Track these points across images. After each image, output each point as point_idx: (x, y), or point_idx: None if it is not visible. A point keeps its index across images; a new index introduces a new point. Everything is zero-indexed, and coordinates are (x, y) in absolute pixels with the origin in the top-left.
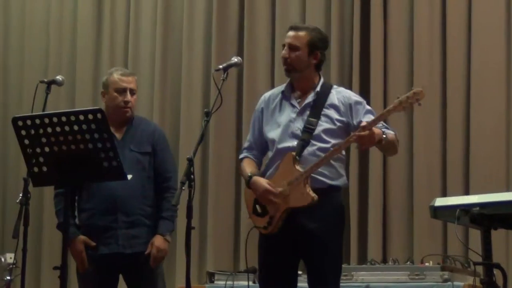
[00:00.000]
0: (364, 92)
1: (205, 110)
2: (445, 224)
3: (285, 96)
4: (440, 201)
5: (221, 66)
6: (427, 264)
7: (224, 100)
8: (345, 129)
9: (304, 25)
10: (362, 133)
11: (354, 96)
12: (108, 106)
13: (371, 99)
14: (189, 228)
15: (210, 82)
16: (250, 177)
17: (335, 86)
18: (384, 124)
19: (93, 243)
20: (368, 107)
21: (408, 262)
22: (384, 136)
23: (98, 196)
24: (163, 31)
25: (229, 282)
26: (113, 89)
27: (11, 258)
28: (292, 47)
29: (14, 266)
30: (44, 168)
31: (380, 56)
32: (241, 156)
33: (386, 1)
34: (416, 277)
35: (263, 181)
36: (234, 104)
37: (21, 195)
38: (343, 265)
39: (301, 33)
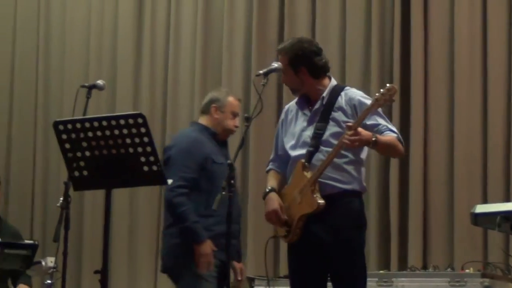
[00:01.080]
0: (405, 99)
1: (246, 115)
2: (485, 230)
3: (299, 106)
4: (480, 208)
5: (261, 72)
6: (467, 271)
7: (265, 106)
8: None
9: (283, 44)
10: (349, 133)
11: (359, 96)
12: (219, 122)
13: (412, 107)
14: (229, 234)
15: (250, 87)
16: (269, 191)
17: (346, 88)
18: (388, 126)
19: (215, 248)
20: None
21: (449, 269)
22: (373, 139)
23: (225, 203)
24: (204, 36)
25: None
26: (230, 111)
27: (51, 261)
28: (283, 71)
29: (55, 269)
30: (85, 172)
31: (421, 64)
32: (267, 168)
33: (426, 8)
34: (457, 284)
35: (276, 202)
36: (275, 109)
37: (61, 199)
38: (383, 271)
39: (281, 57)
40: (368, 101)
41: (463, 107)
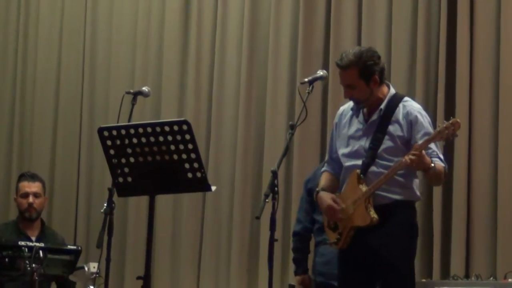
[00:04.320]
0: (450, 107)
1: (290, 123)
2: None
3: (355, 112)
4: None
5: (306, 79)
6: (510, 280)
7: (309, 113)
8: (406, 145)
9: (347, 56)
10: (412, 155)
11: (417, 112)
12: None
13: (456, 115)
14: (272, 241)
15: (295, 95)
16: (317, 192)
17: (405, 99)
18: (438, 153)
19: None
20: (427, 129)
21: (491, 278)
22: (432, 165)
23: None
24: (249, 43)
25: None
26: None
27: (94, 267)
28: (348, 86)
29: (97, 275)
30: (129, 179)
31: (466, 73)
32: (322, 170)
33: (472, 14)
34: None
35: (327, 197)
36: (319, 117)
37: (105, 205)
38: (425, 280)
39: (349, 70)
40: (425, 119)
41: (508, 115)
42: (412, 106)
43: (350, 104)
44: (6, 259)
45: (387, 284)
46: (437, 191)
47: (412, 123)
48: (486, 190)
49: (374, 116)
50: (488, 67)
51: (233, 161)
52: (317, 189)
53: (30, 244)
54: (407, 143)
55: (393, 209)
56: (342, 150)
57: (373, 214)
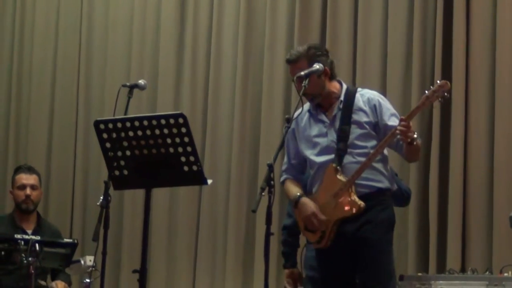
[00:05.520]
0: (445, 107)
1: (286, 116)
2: None
3: (312, 113)
4: None
5: (302, 73)
6: (506, 274)
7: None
8: (374, 130)
9: (296, 51)
10: (403, 127)
11: (377, 97)
12: None
13: (452, 110)
14: (268, 234)
15: (291, 88)
16: (300, 197)
17: (359, 89)
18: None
19: None
20: (392, 110)
21: (487, 272)
22: (415, 136)
23: None
24: (246, 36)
25: None
26: None
27: (90, 260)
28: (300, 80)
29: (93, 268)
30: (125, 172)
31: (462, 67)
32: (282, 179)
33: (468, 12)
34: (495, 287)
35: (312, 205)
36: None
37: (101, 198)
38: (421, 274)
39: (299, 63)
40: (387, 102)
41: (504, 109)
42: (370, 92)
43: (304, 107)
44: (2, 253)
45: (370, 273)
46: (433, 186)
47: (376, 107)
48: (482, 185)
49: (335, 110)
50: (484, 64)
51: (229, 154)
52: (298, 194)
53: (26, 237)
54: (375, 127)
55: (376, 197)
56: (310, 151)
57: (359, 201)
